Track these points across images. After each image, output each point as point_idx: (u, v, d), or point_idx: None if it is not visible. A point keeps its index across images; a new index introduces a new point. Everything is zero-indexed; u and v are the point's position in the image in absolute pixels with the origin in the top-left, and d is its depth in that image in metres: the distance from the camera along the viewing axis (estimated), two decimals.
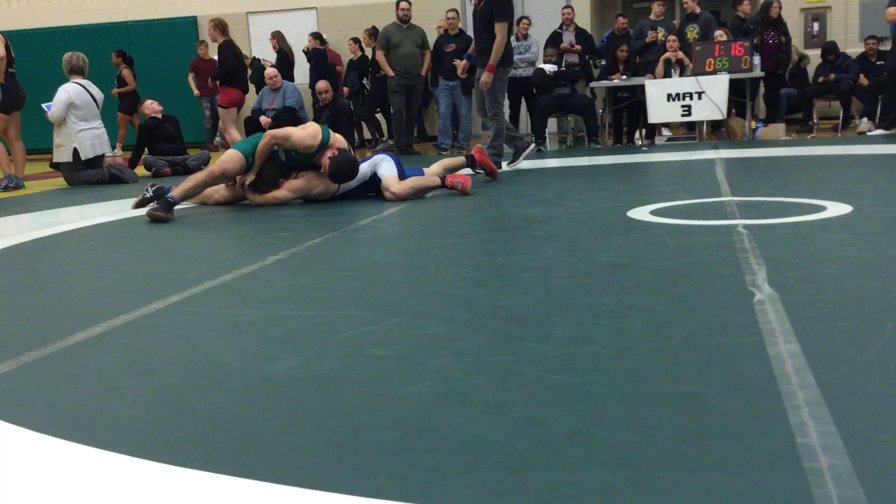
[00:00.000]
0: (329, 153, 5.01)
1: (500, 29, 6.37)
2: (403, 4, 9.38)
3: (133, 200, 5.51)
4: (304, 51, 11.16)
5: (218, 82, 9.34)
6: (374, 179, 5.25)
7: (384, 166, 5.26)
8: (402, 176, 5.27)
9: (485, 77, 6.52)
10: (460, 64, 9.49)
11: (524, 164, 7.22)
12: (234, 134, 8.98)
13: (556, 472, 1.32)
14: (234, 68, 8.92)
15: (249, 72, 10.77)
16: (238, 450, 1.47)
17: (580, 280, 2.69)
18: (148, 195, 5.29)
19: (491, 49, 6.44)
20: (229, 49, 8.85)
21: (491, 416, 1.56)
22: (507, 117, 10.06)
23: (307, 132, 5.05)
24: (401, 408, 1.63)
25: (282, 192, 5.15)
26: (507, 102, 9.37)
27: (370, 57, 10.95)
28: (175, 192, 4.98)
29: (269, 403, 1.70)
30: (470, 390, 1.70)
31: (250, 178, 5.16)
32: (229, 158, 5.11)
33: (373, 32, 10.94)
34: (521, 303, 2.41)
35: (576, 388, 1.68)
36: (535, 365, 1.84)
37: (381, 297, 2.61)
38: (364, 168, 5.25)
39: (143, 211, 5.22)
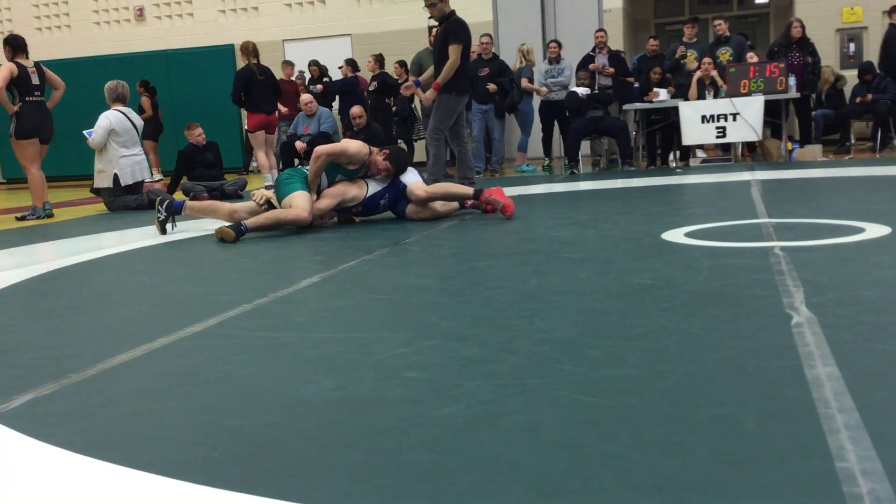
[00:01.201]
0: (379, 156, 5.25)
1: (452, 50, 6.37)
2: (436, 31, 9.47)
3: (156, 227, 5.59)
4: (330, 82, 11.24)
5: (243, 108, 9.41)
6: (399, 187, 5.34)
7: (409, 174, 5.38)
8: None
9: (428, 93, 6.47)
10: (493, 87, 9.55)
11: (558, 186, 7.20)
12: (262, 158, 9.08)
13: (591, 495, 1.31)
14: (241, 96, 8.96)
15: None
16: (273, 471, 1.48)
17: (614, 302, 2.68)
18: (161, 217, 5.49)
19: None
20: (241, 75, 8.94)
21: (525, 438, 1.56)
22: (541, 140, 10.11)
23: (358, 144, 5.29)
24: (434, 430, 1.63)
25: (324, 201, 5.26)
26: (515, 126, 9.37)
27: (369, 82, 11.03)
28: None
29: (303, 425, 1.71)
30: (503, 413, 1.70)
31: (327, 202, 5.26)
32: (245, 205, 5.30)
33: (378, 58, 11.06)
34: (555, 325, 2.41)
35: (610, 411, 1.67)
36: (569, 387, 1.83)
37: (414, 320, 2.62)
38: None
39: (184, 235, 5.31)
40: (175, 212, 5.54)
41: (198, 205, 5.59)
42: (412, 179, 5.35)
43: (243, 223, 4.95)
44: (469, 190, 5.30)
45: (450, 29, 6.41)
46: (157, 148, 12.48)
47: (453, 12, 6.55)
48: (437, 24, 6.64)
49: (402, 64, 11.06)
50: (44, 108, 7.55)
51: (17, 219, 7.41)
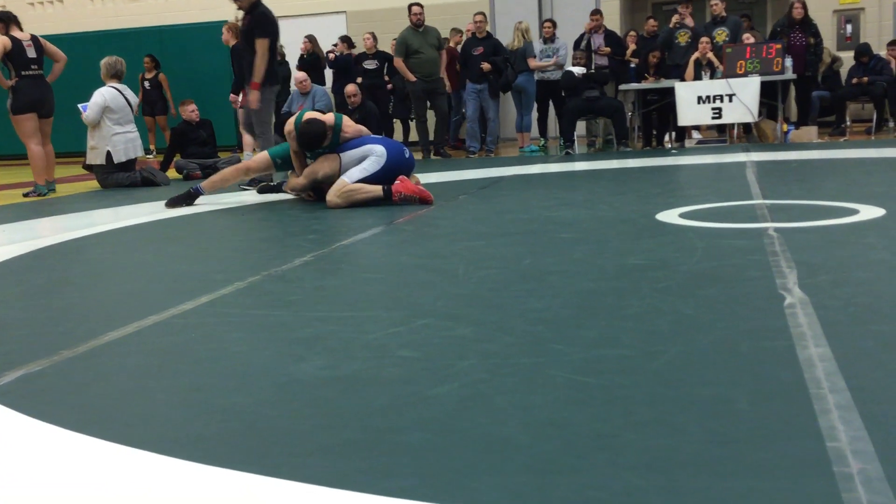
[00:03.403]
0: (348, 135, 5.22)
1: (259, 45, 6.25)
2: (415, 9, 9.33)
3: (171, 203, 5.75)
4: (327, 59, 11.14)
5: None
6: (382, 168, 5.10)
7: (361, 166, 5.05)
8: (401, 164, 5.14)
9: (252, 97, 6.31)
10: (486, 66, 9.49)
11: (553, 167, 7.19)
12: (247, 136, 9.03)
13: (583, 474, 1.31)
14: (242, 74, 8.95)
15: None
16: (266, 449, 1.48)
17: (608, 283, 2.68)
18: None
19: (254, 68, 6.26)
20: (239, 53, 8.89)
21: (518, 417, 1.56)
22: (535, 120, 10.08)
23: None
24: (427, 409, 1.63)
25: (299, 180, 5.41)
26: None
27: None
28: (203, 185, 5.71)
29: (296, 403, 1.71)
30: (497, 392, 1.70)
31: (301, 181, 5.38)
32: (256, 159, 5.69)
33: (345, 38, 11.04)
34: (549, 305, 2.41)
35: (603, 391, 1.68)
36: (562, 367, 1.83)
37: (408, 299, 2.62)
38: (356, 152, 5.14)
39: (176, 212, 5.30)
40: (195, 197, 5.73)
41: (210, 182, 5.77)
42: (348, 176, 5.03)
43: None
44: (377, 190, 4.96)
45: (256, 22, 6.28)
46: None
47: (259, 2, 6.43)
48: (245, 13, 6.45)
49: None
50: (42, 82, 7.41)
51: (24, 195, 7.35)
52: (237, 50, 8.92)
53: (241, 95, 8.86)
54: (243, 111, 6.75)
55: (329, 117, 5.29)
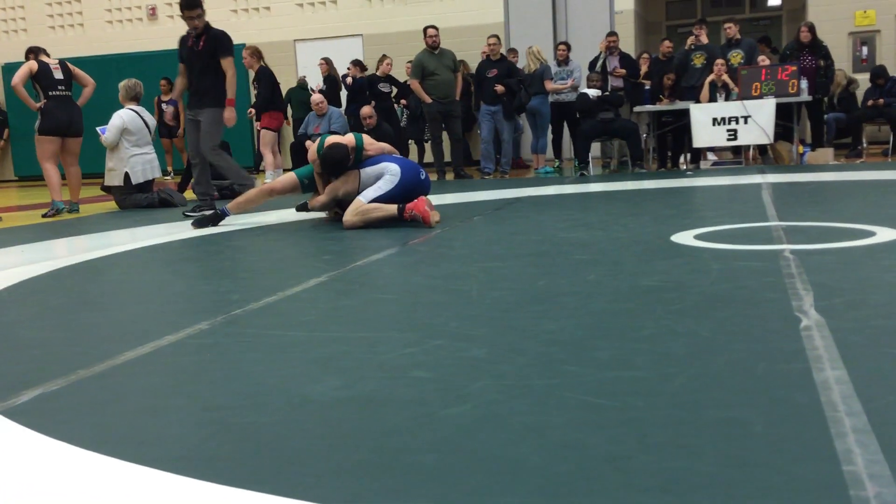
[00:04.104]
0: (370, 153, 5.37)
1: (228, 64, 6.31)
2: (431, 31, 9.41)
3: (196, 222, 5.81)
4: (344, 82, 11.24)
5: (254, 108, 9.53)
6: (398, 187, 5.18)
7: (376, 185, 5.14)
8: (416, 184, 5.21)
9: (230, 114, 6.32)
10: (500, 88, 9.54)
11: (568, 188, 7.19)
12: (270, 157, 9.14)
13: (597, 496, 1.31)
14: (272, 94, 9.13)
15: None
16: (279, 469, 1.49)
17: (623, 304, 2.67)
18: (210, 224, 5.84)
19: (213, 89, 6.26)
20: (267, 75, 9.05)
21: (531, 439, 1.56)
22: (550, 142, 10.11)
23: (312, 156, 5.45)
24: (441, 430, 1.63)
25: (321, 197, 5.49)
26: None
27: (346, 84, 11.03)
28: (229, 206, 5.75)
29: (310, 424, 1.72)
30: (510, 413, 1.70)
31: (322, 198, 5.47)
32: (282, 179, 5.78)
33: (357, 62, 11.13)
34: (563, 326, 2.40)
35: (617, 413, 1.67)
36: (576, 389, 1.83)
37: (422, 320, 2.62)
38: (373, 170, 5.22)
39: (194, 233, 5.34)
40: (221, 218, 5.78)
41: (235, 203, 5.80)
42: (364, 195, 5.11)
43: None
44: (392, 209, 5.01)
45: (220, 42, 6.33)
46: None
47: (208, 23, 6.51)
48: (200, 34, 6.47)
49: (356, 63, 11.09)
50: (69, 103, 7.60)
51: (43, 216, 7.45)
52: (270, 73, 9.07)
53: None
54: (190, 132, 6.58)
55: (350, 139, 5.34)
